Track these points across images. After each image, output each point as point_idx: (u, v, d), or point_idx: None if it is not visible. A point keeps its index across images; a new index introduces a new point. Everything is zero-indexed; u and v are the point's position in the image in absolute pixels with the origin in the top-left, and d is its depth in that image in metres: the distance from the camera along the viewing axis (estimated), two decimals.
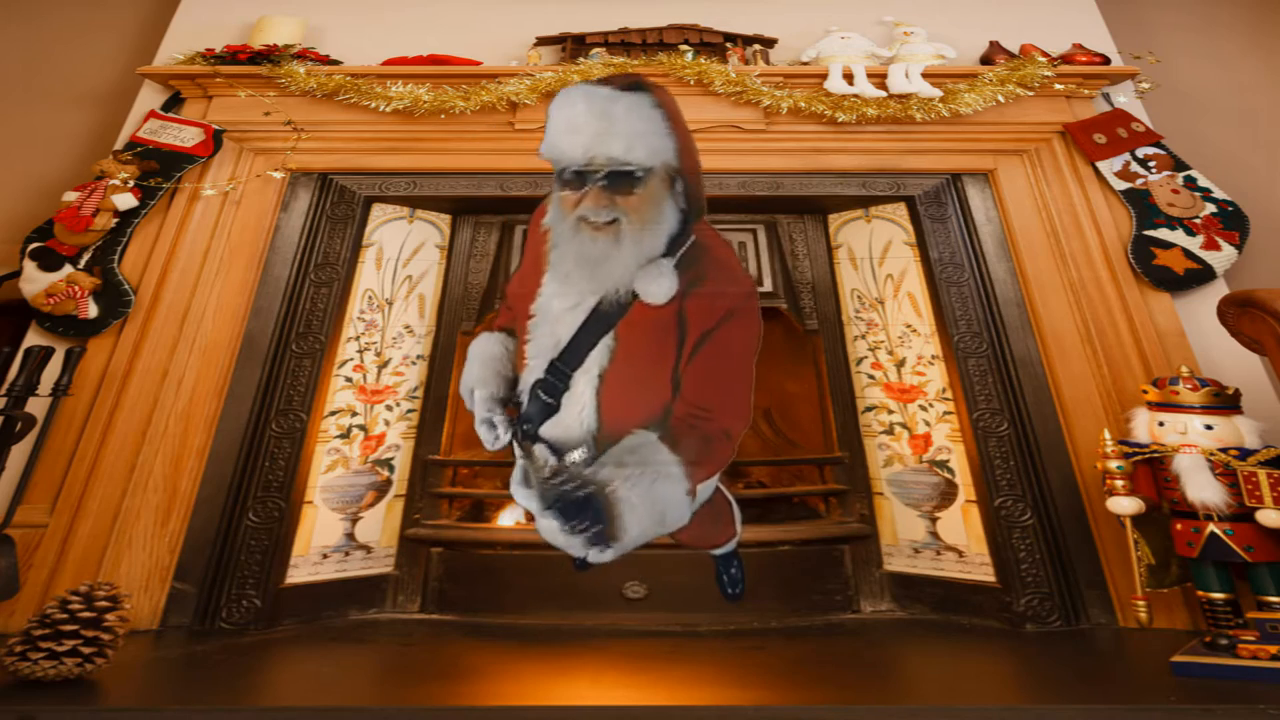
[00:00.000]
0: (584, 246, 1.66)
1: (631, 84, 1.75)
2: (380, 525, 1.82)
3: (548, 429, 1.67)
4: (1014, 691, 1.32)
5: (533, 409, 1.68)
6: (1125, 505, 1.41)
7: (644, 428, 1.64)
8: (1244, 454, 1.36)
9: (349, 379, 1.92)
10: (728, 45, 2.35)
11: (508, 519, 1.93)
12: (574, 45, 2.38)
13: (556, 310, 1.70)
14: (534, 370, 1.70)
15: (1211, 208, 1.96)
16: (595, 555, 1.59)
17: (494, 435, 1.70)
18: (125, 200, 1.95)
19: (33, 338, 1.83)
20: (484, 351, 1.78)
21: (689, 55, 2.24)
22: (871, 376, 1.98)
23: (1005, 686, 1.35)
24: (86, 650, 1.18)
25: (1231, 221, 1.92)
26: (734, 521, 1.72)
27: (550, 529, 1.61)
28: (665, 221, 1.70)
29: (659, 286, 1.65)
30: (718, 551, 1.72)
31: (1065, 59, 2.26)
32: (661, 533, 1.62)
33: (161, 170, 2.03)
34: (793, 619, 1.66)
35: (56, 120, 2.44)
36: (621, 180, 1.64)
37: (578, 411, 1.66)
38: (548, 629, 1.61)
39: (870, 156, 2.14)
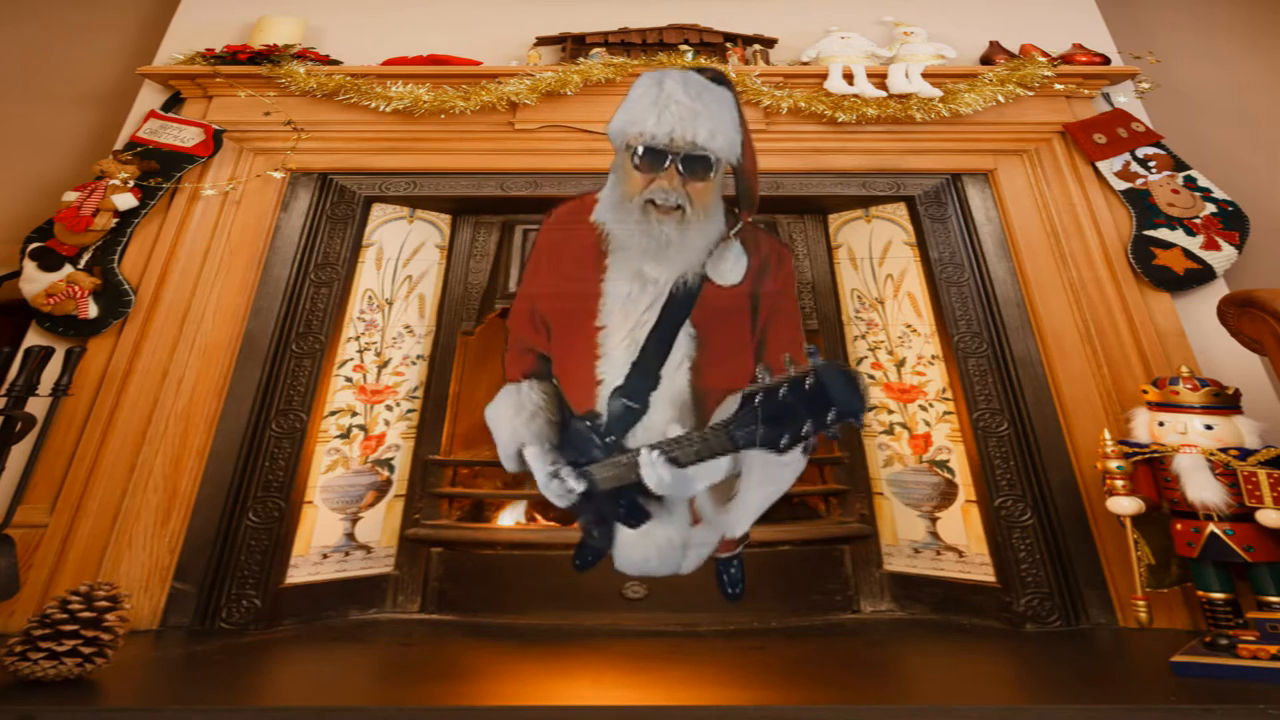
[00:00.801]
0: (652, 228, 1.65)
1: (718, 77, 1.77)
2: (380, 525, 1.82)
3: (635, 435, 1.60)
4: (1014, 691, 1.32)
5: (615, 416, 1.61)
6: (1125, 505, 1.41)
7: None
8: (1244, 454, 1.36)
9: (349, 379, 1.92)
10: (728, 45, 2.35)
11: (508, 519, 1.94)
12: (574, 45, 2.38)
13: (634, 313, 1.65)
14: (610, 381, 1.63)
15: (1211, 208, 1.96)
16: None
17: (565, 487, 1.59)
18: (125, 200, 1.95)
19: (33, 338, 1.83)
20: (522, 406, 1.68)
21: (689, 55, 2.24)
22: (871, 376, 1.98)
23: (1005, 686, 1.35)
24: (86, 650, 1.18)
25: (1231, 221, 1.92)
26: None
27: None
28: (720, 211, 1.71)
29: (732, 268, 1.67)
30: (723, 554, 1.72)
31: (1065, 59, 2.26)
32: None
33: (161, 170, 2.03)
34: (793, 619, 1.66)
35: (56, 120, 2.44)
36: (697, 165, 1.64)
37: (676, 408, 1.61)
38: (548, 629, 1.61)
39: (870, 156, 2.14)
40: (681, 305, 1.65)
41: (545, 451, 1.63)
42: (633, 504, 1.58)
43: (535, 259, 1.89)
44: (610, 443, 1.60)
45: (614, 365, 1.64)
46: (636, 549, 1.60)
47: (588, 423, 1.63)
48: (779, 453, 1.27)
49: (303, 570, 1.70)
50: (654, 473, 1.48)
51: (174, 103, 2.25)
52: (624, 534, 1.61)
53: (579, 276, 1.73)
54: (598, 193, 1.81)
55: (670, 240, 1.65)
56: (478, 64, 2.28)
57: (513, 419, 1.68)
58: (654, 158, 1.64)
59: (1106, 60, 2.28)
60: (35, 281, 1.83)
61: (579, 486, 1.59)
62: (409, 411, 1.95)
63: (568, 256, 1.79)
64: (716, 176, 1.68)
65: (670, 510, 1.59)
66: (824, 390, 1.17)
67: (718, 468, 1.51)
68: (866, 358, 2.00)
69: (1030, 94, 2.17)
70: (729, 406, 1.52)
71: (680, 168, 1.63)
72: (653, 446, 1.49)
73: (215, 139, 2.11)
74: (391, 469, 1.88)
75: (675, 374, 1.62)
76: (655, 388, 1.62)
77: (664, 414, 1.62)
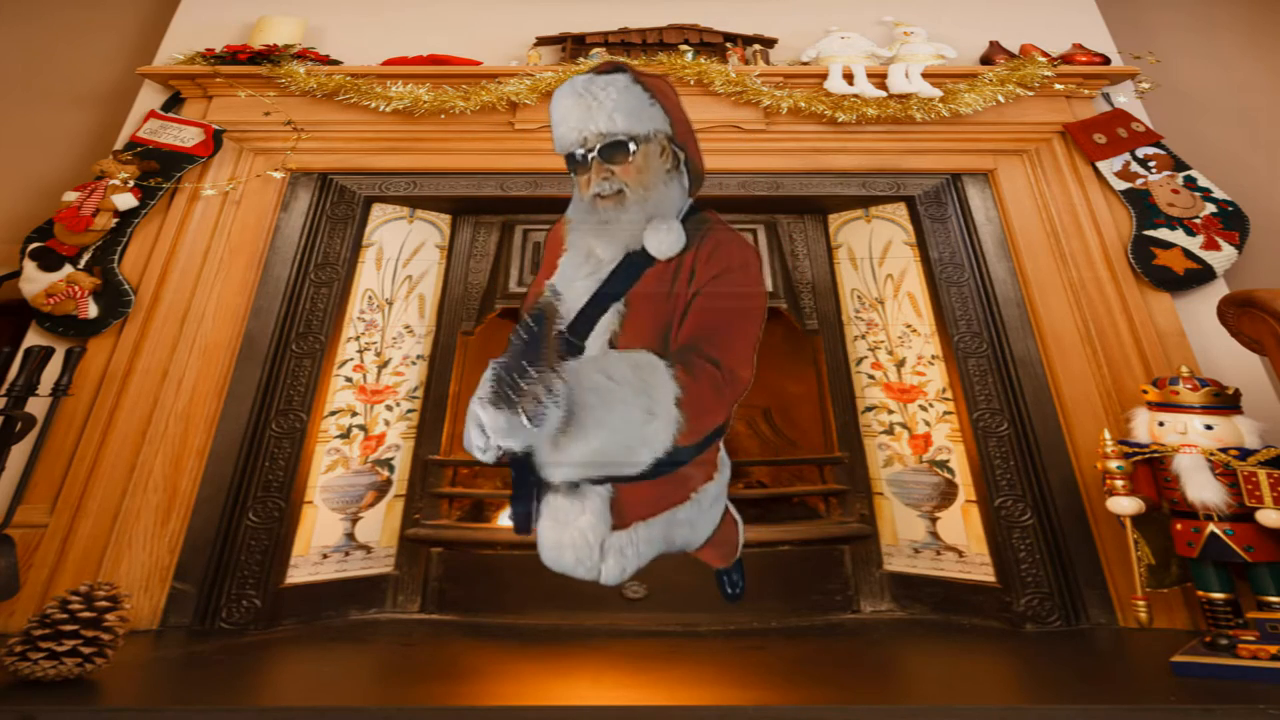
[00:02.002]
0: (596, 215, 1.75)
1: (609, 68, 1.85)
2: (380, 525, 1.82)
3: None
4: (1014, 691, 1.32)
5: None
6: (1125, 505, 1.41)
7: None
8: (1244, 454, 1.36)
9: (349, 379, 1.92)
10: (728, 45, 2.35)
11: (508, 519, 1.93)
12: (574, 45, 2.38)
13: (571, 280, 1.72)
14: None
15: (1211, 208, 1.96)
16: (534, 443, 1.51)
17: (484, 441, 1.59)
18: (125, 200, 1.95)
19: (33, 338, 1.83)
20: (487, 375, 1.70)
21: (689, 55, 2.24)
22: (871, 376, 1.98)
23: (1005, 686, 1.35)
24: (86, 650, 1.18)
25: (1231, 221, 1.92)
26: (739, 543, 1.70)
27: (485, 420, 1.54)
28: (670, 190, 1.77)
29: (666, 240, 1.69)
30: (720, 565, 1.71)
31: (1065, 59, 2.26)
32: (631, 469, 1.54)
33: (161, 170, 2.03)
34: (793, 619, 1.66)
35: (56, 120, 2.44)
36: (614, 150, 1.72)
37: None
38: (548, 629, 1.61)
39: (870, 156, 2.14)
40: (618, 282, 1.70)
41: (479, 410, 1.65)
42: (518, 481, 1.60)
43: (542, 264, 1.96)
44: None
45: None
46: (550, 538, 1.58)
47: None
48: None
49: (303, 570, 1.70)
50: (477, 417, 1.56)
51: (174, 103, 2.25)
52: (542, 523, 1.60)
53: (548, 268, 1.82)
54: None
55: (609, 221, 1.74)
56: (478, 64, 2.29)
57: (481, 385, 1.71)
58: (579, 161, 1.76)
59: (1106, 60, 2.28)
60: (35, 281, 1.83)
61: (490, 439, 1.58)
62: (409, 411, 1.95)
63: (553, 250, 1.88)
64: (642, 151, 1.74)
65: (581, 502, 1.57)
66: None
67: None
68: (866, 358, 2.00)
69: (1030, 94, 2.17)
70: (638, 356, 1.61)
71: (598, 157, 1.73)
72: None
73: (215, 139, 2.11)
74: (391, 469, 1.88)
75: (594, 344, 1.67)
76: (579, 355, 1.66)
77: None
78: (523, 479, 1.60)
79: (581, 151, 1.74)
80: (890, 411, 1.93)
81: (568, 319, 1.67)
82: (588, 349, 1.65)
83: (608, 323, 1.67)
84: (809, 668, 1.39)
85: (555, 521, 1.58)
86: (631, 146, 1.72)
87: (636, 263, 1.70)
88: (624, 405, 1.56)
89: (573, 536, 1.57)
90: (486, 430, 1.57)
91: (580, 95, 1.76)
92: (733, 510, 1.70)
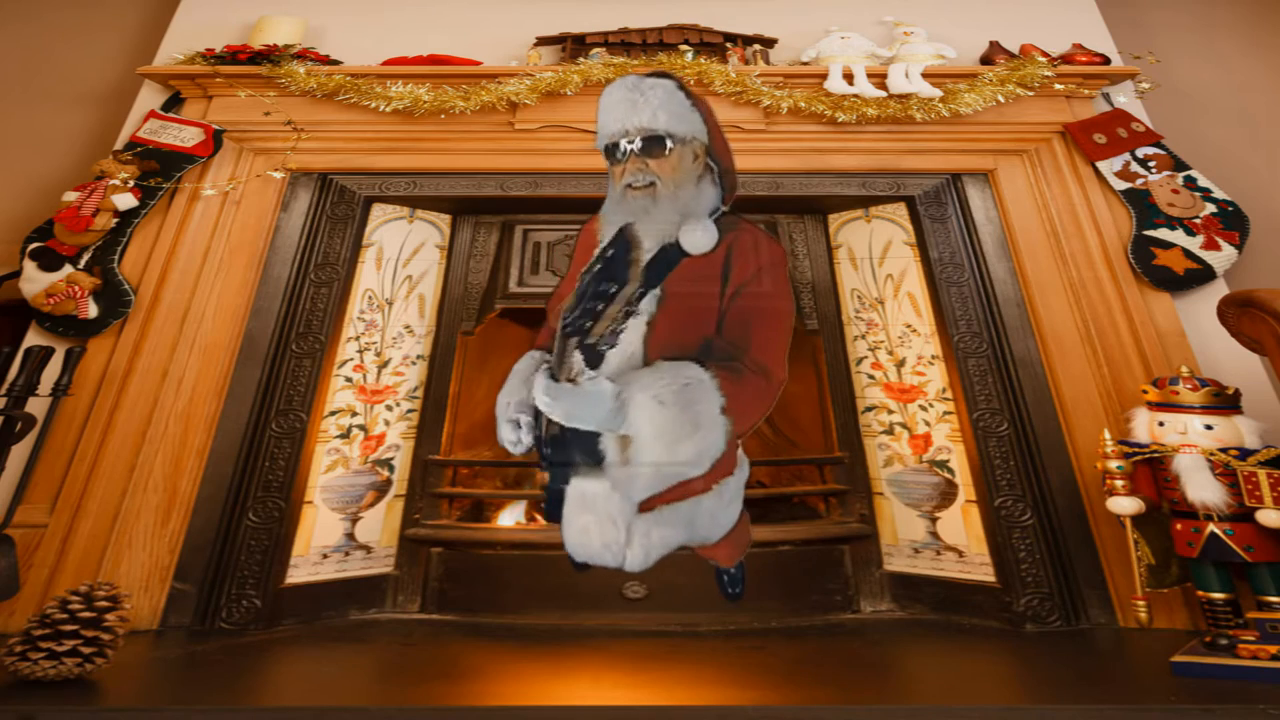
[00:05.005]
0: (627, 205, 1.86)
1: (658, 73, 2.02)
2: (380, 525, 1.82)
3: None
4: (1014, 691, 1.32)
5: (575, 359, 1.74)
6: (1125, 505, 1.41)
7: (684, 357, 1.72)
8: (1244, 454, 1.36)
9: (349, 379, 1.92)
10: (728, 45, 2.35)
11: (508, 519, 1.94)
12: (574, 45, 2.38)
13: None
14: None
15: (1211, 208, 1.96)
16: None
17: (516, 435, 1.74)
18: (125, 200, 1.95)
19: (33, 338, 1.83)
20: (518, 370, 1.83)
21: (689, 55, 2.24)
22: (871, 376, 1.98)
23: (1005, 686, 1.35)
24: (86, 650, 1.18)
25: (1231, 221, 1.92)
26: (748, 543, 1.72)
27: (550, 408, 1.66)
28: (701, 192, 1.88)
29: (701, 237, 1.81)
30: (725, 565, 1.72)
31: (1065, 59, 2.26)
32: (696, 470, 1.63)
33: (161, 170, 2.03)
34: (793, 619, 1.66)
35: (56, 120, 2.44)
36: (652, 145, 1.84)
37: (626, 357, 1.72)
38: (548, 629, 1.61)
39: (870, 156, 2.14)
40: (655, 271, 1.80)
41: (514, 403, 1.78)
42: (556, 444, 1.70)
43: (573, 260, 2.07)
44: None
45: None
46: (576, 522, 1.65)
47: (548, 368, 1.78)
48: None
49: (303, 570, 1.70)
50: (538, 387, 1.68)
51: (174, 103, 2.25)
52: (567, 508, 1.66)
53: (582, 261, 1.93)
54: None
55: (646, 209, 1.84)
56: (478, 64, 2.28)
57: (512, 379, 1.83)
58: (617, 151, 1.86)
59: (1106, 60, 2.28)
60: (35, 281, 1.83)
61: (527, 439, 1.73)
62: (409, 411, 1.95)
63: (585, 248, 1.98)
64: (678, 151, 1.86)
65: (608, 482, 1.64)
66: None
67: (596, 410, 1.64)
68: (866, 358, 2.00)
69: (1030, 94, 2.17)
70: (677, 366, 1.70)
71: (637, 150, 1.83)
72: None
73: (215, 139, 2.11)
74: (391, 469, 1.88)
75: (633, 325, 1.75)
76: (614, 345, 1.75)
77: (621, 361, 1.73)
78: (561, 464, 1.69)
79: (624, 144, 1.84)
80: (890, 411, 1.93)
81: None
82: (623, 341, 1.73)
83: (645, 305, 1.76)
84: (809, 668, 1.39)
85: (582, 505, 1.65)
86: (669, 144, 1.84)
87: (671, 256, 1.80)
88: (675, 424, 1.64)
89: (599, 517, 1.63)
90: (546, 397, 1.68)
91: (629, 91, 1.89)
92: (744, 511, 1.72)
